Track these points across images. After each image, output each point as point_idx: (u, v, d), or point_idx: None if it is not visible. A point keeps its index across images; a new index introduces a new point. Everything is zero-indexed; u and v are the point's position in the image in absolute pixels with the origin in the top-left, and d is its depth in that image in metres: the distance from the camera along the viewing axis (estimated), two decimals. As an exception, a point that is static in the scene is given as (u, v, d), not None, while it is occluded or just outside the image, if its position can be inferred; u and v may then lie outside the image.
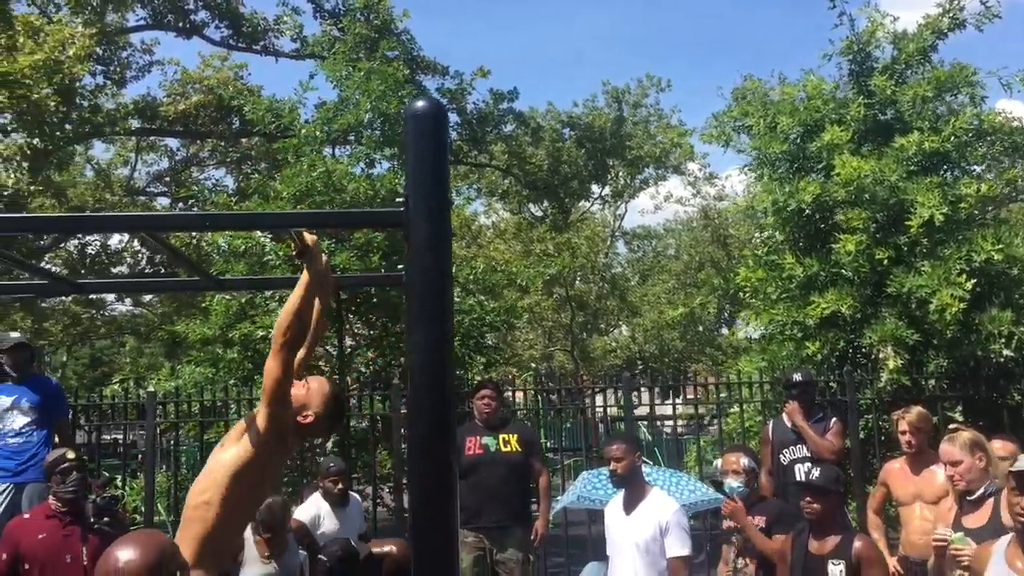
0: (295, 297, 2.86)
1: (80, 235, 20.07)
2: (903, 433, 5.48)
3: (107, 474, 9.57)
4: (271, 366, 2.89)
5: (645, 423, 12.16)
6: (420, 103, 2.23)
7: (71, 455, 4.87)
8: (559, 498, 6.36)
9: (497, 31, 59.37)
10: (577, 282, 28.96)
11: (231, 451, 2.98)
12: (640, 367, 31.64)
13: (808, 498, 4.63)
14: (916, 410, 5.56)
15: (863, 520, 6.63)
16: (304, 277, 2.85)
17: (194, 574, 2.79)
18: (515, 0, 58.19)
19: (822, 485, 4.63)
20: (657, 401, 9.17)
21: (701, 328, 31.55)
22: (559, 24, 57.63)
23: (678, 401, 9.02)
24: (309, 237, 2.83)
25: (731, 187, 38.22)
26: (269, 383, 2.91)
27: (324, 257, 2.92)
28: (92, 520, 4.64)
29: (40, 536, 4.65)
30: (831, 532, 4.56)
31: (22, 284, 3.35)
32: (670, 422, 14.05)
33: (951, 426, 4.70)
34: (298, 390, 3.08)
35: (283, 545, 5.27)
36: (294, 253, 2.90)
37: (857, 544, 4.48)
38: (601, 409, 9.50)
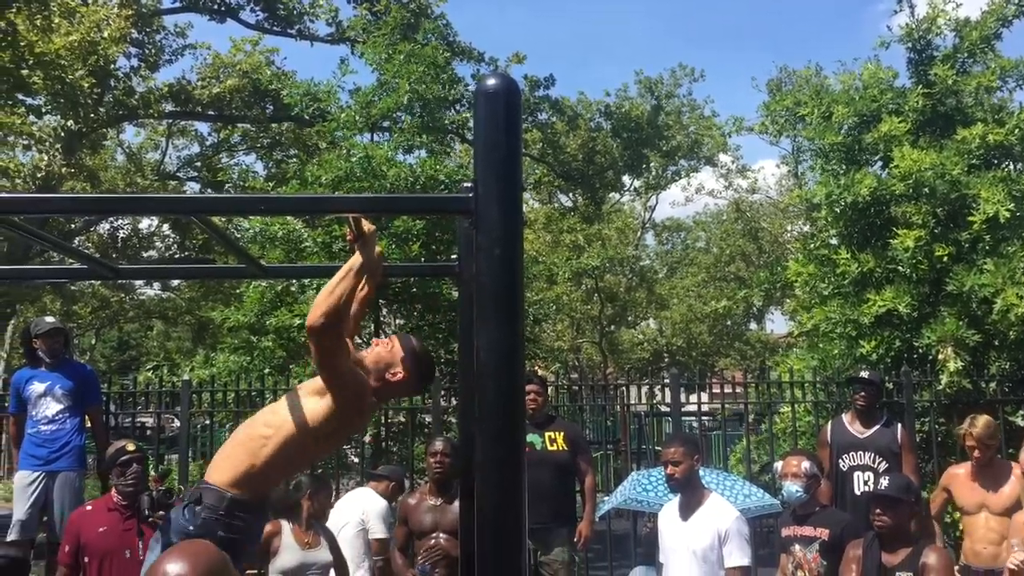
0: (340, 280, 2.73)
1: (113, 218, 19.98)
2: (971, 448, 5.22)
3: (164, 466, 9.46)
4: (313, 352, 2.83)
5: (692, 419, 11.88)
6: (491, 80, 1.98)
7: (131, 447, 4.82)
8: (606, 499, 6.13)
9: (528, 19, 59.08)
10: (606, 274, 28.65)
11: (308, 405, 2.91)
12: (667, 360, 31.34)
13: (878, 509, 4.38)
14: (983, 421, 5.27)
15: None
16: (353, 260, 2.75)
17: (235, 491, 2.85)
18: (546, -12, 57.84)
19: (893, 495, 4.39)
20: (699, 398, 8.90)
21: (730, 322, 31.17)
22: (587, 13, 57.26)
23: (725, 399, 8.73)
24: (367, 224, 2.78)
25: (763, 179, 37.84)
26: (318, 368, 2.86)
27: (378, 246, 2.89)
28: (147, 513, 4.54)
29: (101, 529, 4.61)
30: (902, 544, 4.32)
31: (63, 268, 3.15)
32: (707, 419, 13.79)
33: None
34: (383, 348, 3.08)
35: (321, 530, 5.06)
36: (349, 238, 2.84)
37: (931, 556, 4.24)
38: (644, 405, 9.22)
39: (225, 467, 2.91)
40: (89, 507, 4.89)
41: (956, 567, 5.29)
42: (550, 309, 10.74)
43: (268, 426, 2.92)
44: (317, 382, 2.98)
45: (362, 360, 3.04)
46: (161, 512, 4.51)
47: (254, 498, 2.93)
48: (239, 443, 2.96)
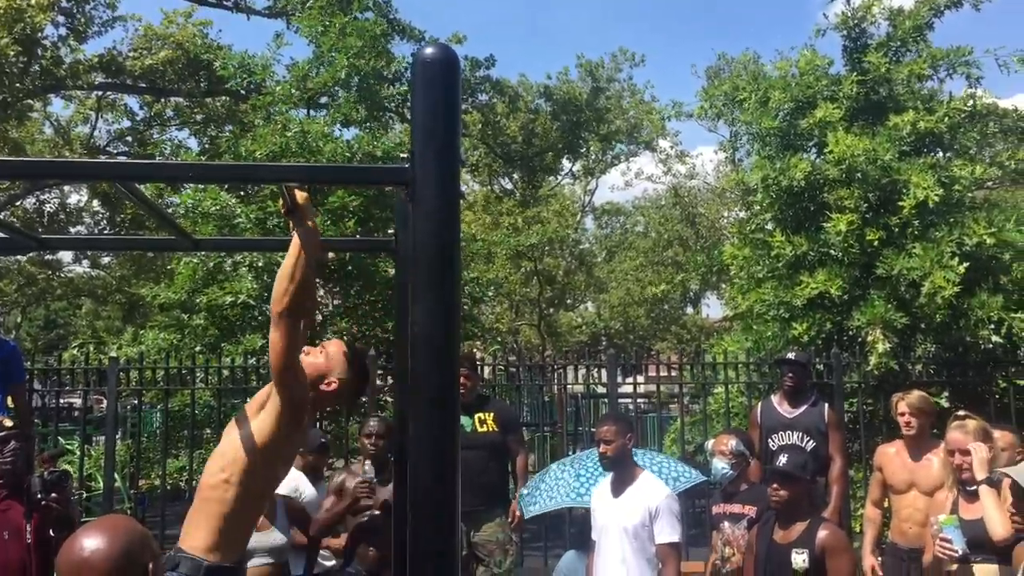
0: (288, 260, 2.65)
1: (38, 191, 19.38)
2: (902, 415, 5.29)
3: (61, 442, 9.18)
4: (274, 338, 2.67)
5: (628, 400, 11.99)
6: (429, 49, 1.93)
7: (8, 423, 4.51)
8: (535, 497, 6.06)
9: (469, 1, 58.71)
10: (545, 256, 28.70)
11: (250, 426, 2.80)
12: (605, 343, 31.58)
13: (775, 485, 4.44)
14: (917, 392, 5.39)
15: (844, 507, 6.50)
16: (295, 240, 2.65)
17: (211, 557, 2.71)
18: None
19: (789, 471, 4.45)
20: (635, 379, 8.97)
21: (667, 307, 31.49)
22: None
23: (661, 381, 8.80)
24: (300, 194, 2.65)
25: (701, 165, 38.22)
26: (275, 358, 2.69)
27: (312, 216, 2.76)
28: (39, 495, 4.23)
29: None
30: (796, 519, 4.39)
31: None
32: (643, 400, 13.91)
33: (959, 413, 4.54)
34: (315, 357, 2.94)
35: (271, 516, 4.96)
36: (283, 211, 2.72)
37: (822, 533, 4.30)
38: (581, 386, 9.25)
39: (196, 531, 2.77)
40: None
41: (882, 545, 5.42)
42: (488, 289, 10.71)
43: (223, 470, 2.79)
44: (259, 398, 2.90)
45: None
46: (54, 494, 4.28)
47: (231, 559, 2.79)
48: (203, 498, 2.82)
